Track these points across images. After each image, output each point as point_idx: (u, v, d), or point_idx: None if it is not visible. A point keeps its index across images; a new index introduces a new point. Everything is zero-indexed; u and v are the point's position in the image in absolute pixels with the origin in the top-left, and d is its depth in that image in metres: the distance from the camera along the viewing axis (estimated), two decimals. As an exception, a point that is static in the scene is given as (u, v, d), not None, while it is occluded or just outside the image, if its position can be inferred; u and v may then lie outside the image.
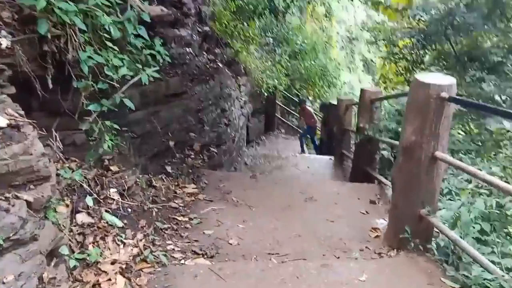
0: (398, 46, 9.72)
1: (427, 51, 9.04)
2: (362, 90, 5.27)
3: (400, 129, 4.33)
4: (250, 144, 9.20)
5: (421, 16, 8.24)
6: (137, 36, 2.92)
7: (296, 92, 11.75)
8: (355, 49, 26.63)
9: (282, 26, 11.67)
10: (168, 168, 4.08)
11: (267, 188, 4.33)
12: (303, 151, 9.67)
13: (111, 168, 2.77)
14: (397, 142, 3.19)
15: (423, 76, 2.73)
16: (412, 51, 9.38)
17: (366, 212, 3.81)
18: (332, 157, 7.15)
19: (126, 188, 2.77)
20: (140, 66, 2.90)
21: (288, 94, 10.86)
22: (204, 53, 8.27)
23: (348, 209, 3.85)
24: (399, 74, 10.39)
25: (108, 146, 2.58)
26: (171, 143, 4.25)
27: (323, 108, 9.49)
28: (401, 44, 9.65)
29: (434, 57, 8.79)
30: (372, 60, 31.43)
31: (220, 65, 7.62)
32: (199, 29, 8.22)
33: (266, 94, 9.49)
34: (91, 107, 2.51)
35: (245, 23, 8.94)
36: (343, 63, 17.74)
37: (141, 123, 3.87)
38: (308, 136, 10.01)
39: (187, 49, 7.50)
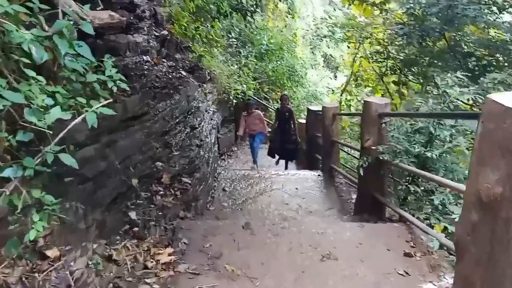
0: (383, 43, 9.12)
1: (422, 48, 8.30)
2: (367, 102, 4.32)
3: (427, 153, 3.66)
4: (221, 157, 8.39)
5: (415, 9, 7.53)
6: (77, 56, 2.05)
7: (265, 95, 11.03)
8: (315, 45, 26.36)
9: (246, 25, 10.91)
10: (132, 215, 3.22)
11: (268, 243, 3.36)
12: (255, 162, 8.44)
13: (48, 254, 1.91)
14: (428, 174, 2.49)
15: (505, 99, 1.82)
16: (404, 50, 8.73)
17: (406, 273, 2.93)
18: (320, 172, 6.45)
19: (73, 281, 1.91)
20: (84, 101, 2.03)
21: (258, 99, 10.13)
22: (164, 60, 7.39)
23: (381, 269, 2.97)
24: (382, 74, 9.85)
25: (38, 231, 1.70)
26: (134, 181, 3.40)
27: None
28: (382, 40, 9.05)
29: (435, 55, 8.11)
30: (331, 55, 31.55)
31: (184, 73, 6.76)
32: (156, 33, 7.32)
33: (234, 100, 8.71)
34: (6, 173, 1.65)
35: (208, 25, 8.11)
36: (307, 61, 17.24)
37: (92, 161, 2.99)
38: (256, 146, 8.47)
39: (144, 57, 6.59)
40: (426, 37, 7.57)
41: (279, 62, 11.54)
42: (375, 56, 9.93)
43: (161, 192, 3.68)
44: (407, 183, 3.95)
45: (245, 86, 9.04)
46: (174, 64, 7.70)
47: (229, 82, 8.70)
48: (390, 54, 9.03)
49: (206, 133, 5.55)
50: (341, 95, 13.79)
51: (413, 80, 9.76)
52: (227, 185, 5.45)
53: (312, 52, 26.74)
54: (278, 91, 12.01)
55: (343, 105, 13.56)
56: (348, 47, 14.12)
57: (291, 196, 5.39)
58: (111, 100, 2.33)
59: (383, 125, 4.18)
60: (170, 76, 6.02)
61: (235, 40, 10.29)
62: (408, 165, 3.69)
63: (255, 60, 10.07)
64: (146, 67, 6.26)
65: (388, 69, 9.31)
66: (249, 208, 4.74)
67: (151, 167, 3.86)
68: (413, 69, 8.52)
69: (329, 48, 28.93)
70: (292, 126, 8.28)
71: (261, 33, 11.11)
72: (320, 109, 7.00)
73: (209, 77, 8.24)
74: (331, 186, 5.85)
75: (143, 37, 6.87)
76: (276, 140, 8.27)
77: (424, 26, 7.29)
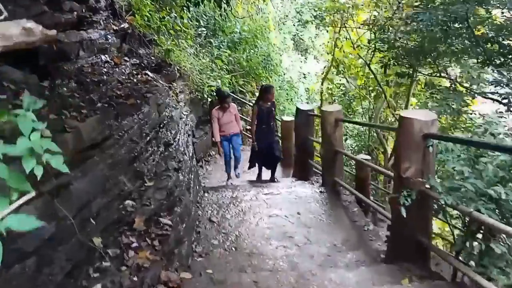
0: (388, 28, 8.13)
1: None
2: (406, 119, 3.26)
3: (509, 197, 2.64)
4: (198, 164, 7.52)
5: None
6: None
7: (240, 89, 10.17)
8: (284, 28, 25.57)
9: (215, 11, 9.95)
10: None
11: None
12: (230, 176, 7.26)
13: None
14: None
15: None
16: (417, 37, 7.78)
17: None
18: (321, 188, 5.64)
19: None
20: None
21: (234, 95, 9.26)
22: (127, 58, 6.40)
23: None
24: (369, 62, 8.93)
25: None
26: (97, 241, 2.55)
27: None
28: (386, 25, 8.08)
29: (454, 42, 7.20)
30: (301, 39, 31.07)
31: (151, 74, 5.82)
32: (115, 27, 6.33)
33: (209, 99, 7.84)
34: None
35: (174, 14, 7.16)
36: (281, 46, 16.42)
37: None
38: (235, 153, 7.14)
39: (103, 56, 5.63)
40: (451, 23, 6.73)
41: (253, 51, 10.66)
42: (378, 44, 9.09)
43: (134, 245, 2.84)
44: (479, 238, 2.88)
45: (219, 81, 8.16)
46: (138, 61, 6.76)
47: (202, 78, 7.80)
48: (396, 42, 8.19)
49: (183, 148, 4.69)
50: (321, 84, 13.07)
51: (422, 72, 9.05)
52: (213, 213, 4.60)
53: (284, 36, 25.99)
54: (254, 83, 11.17)
55: (325, 95, 12.88)
56: (327, 31, 13.38)
57: (293, 224, 4.48)
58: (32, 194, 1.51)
59: (430, 148, 3.21)
60: (135, 80, 5.09)
61: (205, 29, 9.34)
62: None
63: (228, 51, 9.17)
64: (105, 69, 5.30)
65: (391, 59, 8.57)
66: (245, 246, 3.89)
67: (119, 210, 3.01)
68: (421, 59, 7.80)
69: (297, 30, 28.38)
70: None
71: (233, 21, 10.18)
72: (311, 108, 6.23)
73: (179, 74, 7.33)
74: (338, 207, 4.98)
75: (99, 32, 5.88)
76: (261, 145, 6.81)
77: (452, 9, 6.42)
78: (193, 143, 7.25)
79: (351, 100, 13.79)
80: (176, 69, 7.17)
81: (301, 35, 29.53)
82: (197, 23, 9.22)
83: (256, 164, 7.21)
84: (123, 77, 5.15)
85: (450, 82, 8.44)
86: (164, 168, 3.74)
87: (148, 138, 3.90)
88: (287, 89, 14.55)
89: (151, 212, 3.17)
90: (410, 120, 3.24)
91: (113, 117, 3.36)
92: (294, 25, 23.24)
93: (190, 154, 5.09)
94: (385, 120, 12.54)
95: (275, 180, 7.13)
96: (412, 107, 10.70)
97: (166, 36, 7.47)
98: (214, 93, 7.85)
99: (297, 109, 6.39)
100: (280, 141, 7.85)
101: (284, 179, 7.15)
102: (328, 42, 12.38)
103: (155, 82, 5.29)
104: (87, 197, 2.71)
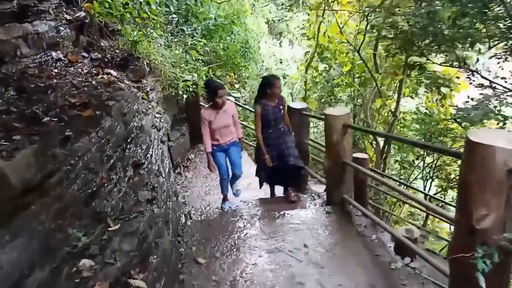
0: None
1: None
2: (479, 145, 2.23)
3: None
4: (175, 171, 6.67)
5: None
6: None
7: (219, 81, 9.28)
8: (259, 12, 24.65)
9: (186, -5, 9.00)
10: None
11: None
12: (226, 198, 5.65)
13: None
14: None
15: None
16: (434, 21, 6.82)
17: None
18: (327, 207, 4.64)
19: None
20: None
21: None
22: (85, 54, 5.45)
23: None
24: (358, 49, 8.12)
25: None
26: None
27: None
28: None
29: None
30: (273, 21, 30.57)
31: (114, 73, 4.91)
32: (69, 17, 5.38)
33: (184, 95, 6.96)
34: None
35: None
36: (257, 31, 15.52)
37: None
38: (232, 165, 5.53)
39: (54, 53, 4.69)
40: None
41: (229, 38, 9.77)
42: (386, 30, 8.25)
43: (95, 329, 2.03)
44: None
45: (196, 74, 7.28)
46: (100, 56, 5.83)
47: (175, 72, 6.91)
48: (404, 27, 7.33)
49: (157, 165, 3.86)
50: (305, 71, 12.27)
51: (430, 60, 8.30)
52: (199, 249, 3.76)
53: (258, 20, 25.10)
54: (233, 73, 10.29)
55: (309, 84, 12.11)
56: (308, 14, 12.56)
57: (301, 263, 3.55)
58: None
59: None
60: (94, 83, 4.18)
61: (176, 16, 8.38)
62: None
63: (203, 40, 8.26)
64: (57, 70, 4.38)
65: (399, 47, 7.78)
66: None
67: (71, 278, 2.18)
68: (432, 45, 7.06)
69: (270, 13, 27.72)
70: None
71: (206, 5, 9.23)
72: (305, 106, 5.44)
73: (149, 69, 6.42)
74: (353, 234, 4.03)
75: (48, 24, 4.94)
76: (272, 157, 5.27)
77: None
78: (169, 148, 6.39)
79: (334, 87, 13.14)
80: (145, 63, 6.27)
81: (281, 19, 28.83)
82: (167, 9, 8.25)
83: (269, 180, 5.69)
84: (80, 79, 4.24)
85: (467, 73, 7.68)
86: (133, 202, 2.92)
87: (112, 161, 3.06)
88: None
89: (117, 272, 2.36)
90: (489, 148, 2.19)
91: (59, 143, 2.50)
92: (277, 9, 22.43)
93: (167, 170, 4.26)
94: (378, 111, 11.91)
95: (292, 197, 5.54)
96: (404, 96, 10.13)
97: (131, 25, 6.52)
98: (190, 89, 6.98)
99: (288, 108, 5.59)
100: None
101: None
102: (310, 25, 11.58)
103: (120, 83, 4.39)
104: (19, 272, 1.88)
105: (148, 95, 6.00)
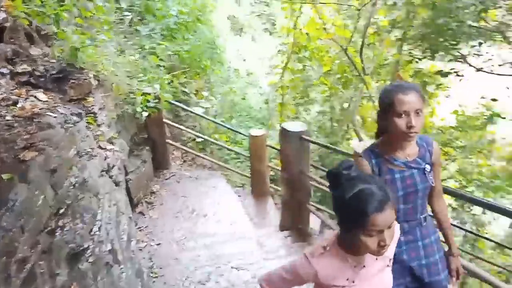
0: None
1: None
2: None
3: None
4: (135, 209, 5.37)
5: None
6: None
7: (183, 90, 7.99)
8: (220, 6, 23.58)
9: (139, -12, 7.67)
10: None
11: None
12: None
13: None
14: None
15: None
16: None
17: None
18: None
19: None
20: None
21: (179, 104, 7.07)
22: (5, 69, 4.07)
23: None
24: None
25: None
26: None
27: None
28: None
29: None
30: (234, 16, 30.09)
31: (43, 96, 3.58)
32: (-21, 18, 4.02)
33: (144, 113, 5.68)
34: None
35: (79, -6, 4.94)
36: (222, 28, 14.29)
37: None
38: None
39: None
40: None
41: (194, 38, 8.51)
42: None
43: None
44: None
45: (157, 86, 6.00)
46: (30, 69, 4.50)
47: (132, 84, 5.62)
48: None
49: (110, 243, 2.61)
50: (282, 75, 11.10)
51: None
52: None
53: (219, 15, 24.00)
54: (199, 79, 9.01)
55: (286, 88, 10.95)
56: (281, 8, 11.44)
57: None
58: None
59: None
60: (8, 118, 2.87)
61: (129, 13, 7.03)
62: None
63: (164, 42, 6.96)
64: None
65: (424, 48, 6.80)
66: None
67: None
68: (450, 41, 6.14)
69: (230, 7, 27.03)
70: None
71: (165, 0, 7.91)
72: (304, 128, 4.25)
73: (96, 82, 5.10)
74: None
75: None
76: (404, 259, 2.45)
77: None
78: (126, 182, 5.11)
79: (307, 88, 12.19)
80: (91, 75, 4.95)
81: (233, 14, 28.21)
82: (117, 5, 6.90)
83: None
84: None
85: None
86: None
87: (28, 266, 1.81)
88: (232, 82, 12.46)
89: None
90: None
91: None
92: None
93: (126, 245, 3.01)
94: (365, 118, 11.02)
95: None
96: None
97: (71, 27, 5.16)
98: (152, 105, 5.70)
99: (283, 130, 4.41)
100: (251, 163, 5.85)
101: (265, 231, 5.11)
102: (288, 19, 10.49)
103: (50, 114, 3.08)
104: None
105: (95, 117, 4.69)
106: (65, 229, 2.26)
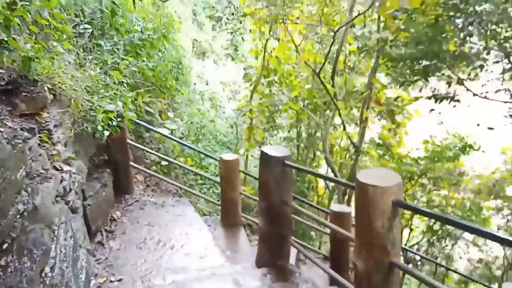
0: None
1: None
2: None
3: None
4: (94, 240, 4.77)
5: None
6: None
7: (146, 109, 7.51)
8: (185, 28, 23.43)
9: (101, 2, 7.23)
10: None
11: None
12: None
13: None
14: None
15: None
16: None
17: None
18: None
19: None
20: None
21: (144, 124, 6.56)
22: None
23: None
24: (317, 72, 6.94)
25: None
26: None
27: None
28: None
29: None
30: (196, 40, 30.13)
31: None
32: None
33: (106, 132, 5.17)
34: None
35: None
36: (187, 48, 13.96)
37: None
38: None
39: None
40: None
41: (159, 56, 8.10)
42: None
43: None
44: None
45: (120, 103, 5.52)
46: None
47: (92, 100, 5.12)
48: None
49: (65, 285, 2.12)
50: (250, 98, 10.78)
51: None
52: None
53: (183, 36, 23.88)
54: (163, 98, 8.55)
55: (254, 112, 10.62)
56: (250, 31, 11.28)
57: None
58: None
59: None
60: None
61: (88, 26, 6.56)
62: None
63: (128, 58, 6.51)
64: None
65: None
66: None
67: None
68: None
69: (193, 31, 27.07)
70: None
71: (128, 15, 7.50)
72: (288, 153, 3.86)
73: (52, 96, 4.58)
74: None
75: None
76: None
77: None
78: (84, 208, 4.53)
79: (273, 114, 12.02)
80: (46, 88, 4.44)
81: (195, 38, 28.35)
82: (76, 17, 6.43)
83: None
84: None
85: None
86: None
87: None
88: (199, 106, 12.07)
89: None
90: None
91: None
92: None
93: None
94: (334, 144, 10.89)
95: None
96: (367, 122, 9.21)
97: (24, 35, 4.64)
98: (114, 123, 5.22)
99: (264, 155, 3.97)
100: (222, 190, 5.46)
101: (240, 267, 4.59)
102: (256, 42, 10.30)
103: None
104: None
105: (50, 135, 4.16)
106: (8, 270, 1.76)
